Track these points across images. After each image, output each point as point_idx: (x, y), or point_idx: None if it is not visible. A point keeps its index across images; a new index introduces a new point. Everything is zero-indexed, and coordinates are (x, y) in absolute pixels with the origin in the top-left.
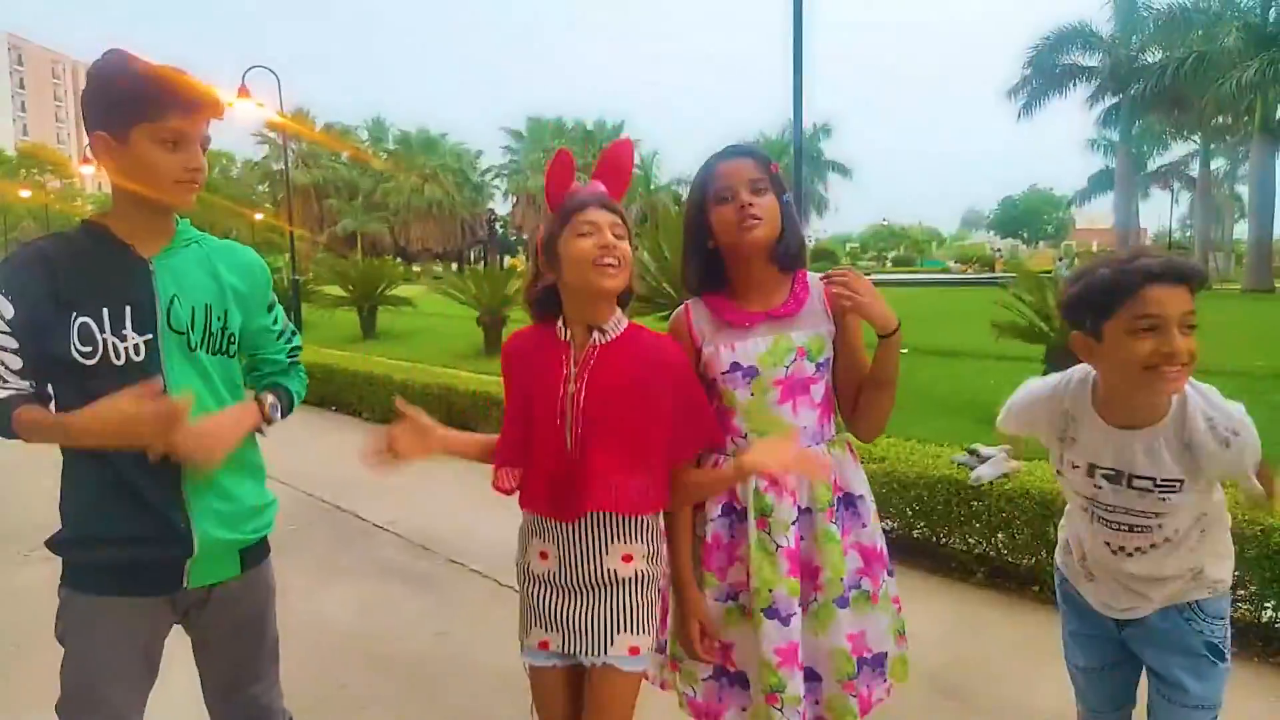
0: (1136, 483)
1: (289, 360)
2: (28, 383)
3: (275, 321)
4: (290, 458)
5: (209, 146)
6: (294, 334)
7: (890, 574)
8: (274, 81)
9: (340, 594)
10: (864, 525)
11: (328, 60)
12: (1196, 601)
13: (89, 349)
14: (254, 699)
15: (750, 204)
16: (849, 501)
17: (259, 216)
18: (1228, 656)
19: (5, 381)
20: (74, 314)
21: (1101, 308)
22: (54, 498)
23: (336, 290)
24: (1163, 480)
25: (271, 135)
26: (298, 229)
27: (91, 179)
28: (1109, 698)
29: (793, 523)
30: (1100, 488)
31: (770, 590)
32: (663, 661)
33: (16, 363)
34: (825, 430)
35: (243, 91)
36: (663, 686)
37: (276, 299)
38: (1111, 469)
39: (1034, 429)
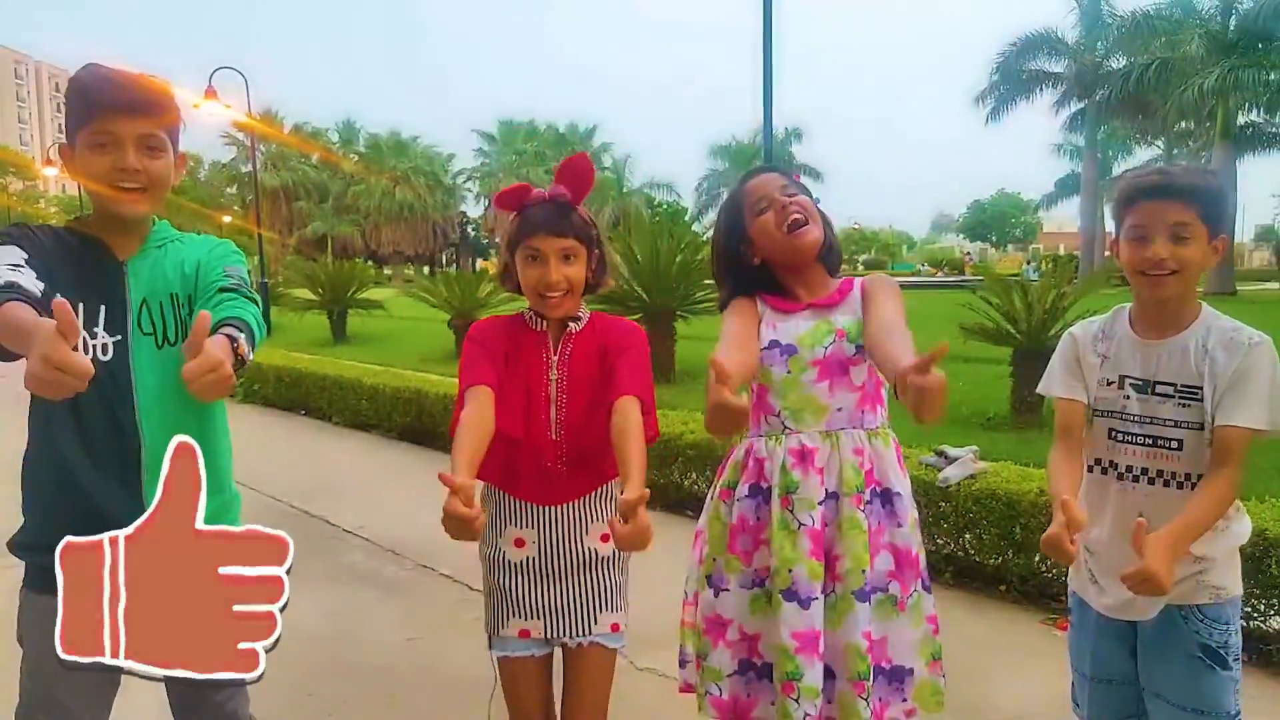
0: (1159, 389)
1: (232, 287)
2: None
3: (225, 276)
4: (259, 462)
5: (164, 149)
6: (248, 284)
7: (926, 589)
8: (242, 83)
9: (308, 600)
10: (899, 525)
11: (297, 62)
12: (1197, 605)
13: None
14: (219, 706)
15: (789, 202)
16: (886, 497)
17: (227, 219)
18: (1230, 664)
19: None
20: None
21: (1118, 219)
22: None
23: (306, 294)
24: (1183, 386)
25: (239, 137)
26: (266, 232)
27: (55, 181)
28: (1112, 711)
29: (819, 503)
30: (1129, 398)
31: (790, 570)
32: (686, 661)
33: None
34: (867, 418)
35: (210, 93)
36: (683, 689)
37: (243, 277)
38: (1139, 379)
39: (1077, 356)
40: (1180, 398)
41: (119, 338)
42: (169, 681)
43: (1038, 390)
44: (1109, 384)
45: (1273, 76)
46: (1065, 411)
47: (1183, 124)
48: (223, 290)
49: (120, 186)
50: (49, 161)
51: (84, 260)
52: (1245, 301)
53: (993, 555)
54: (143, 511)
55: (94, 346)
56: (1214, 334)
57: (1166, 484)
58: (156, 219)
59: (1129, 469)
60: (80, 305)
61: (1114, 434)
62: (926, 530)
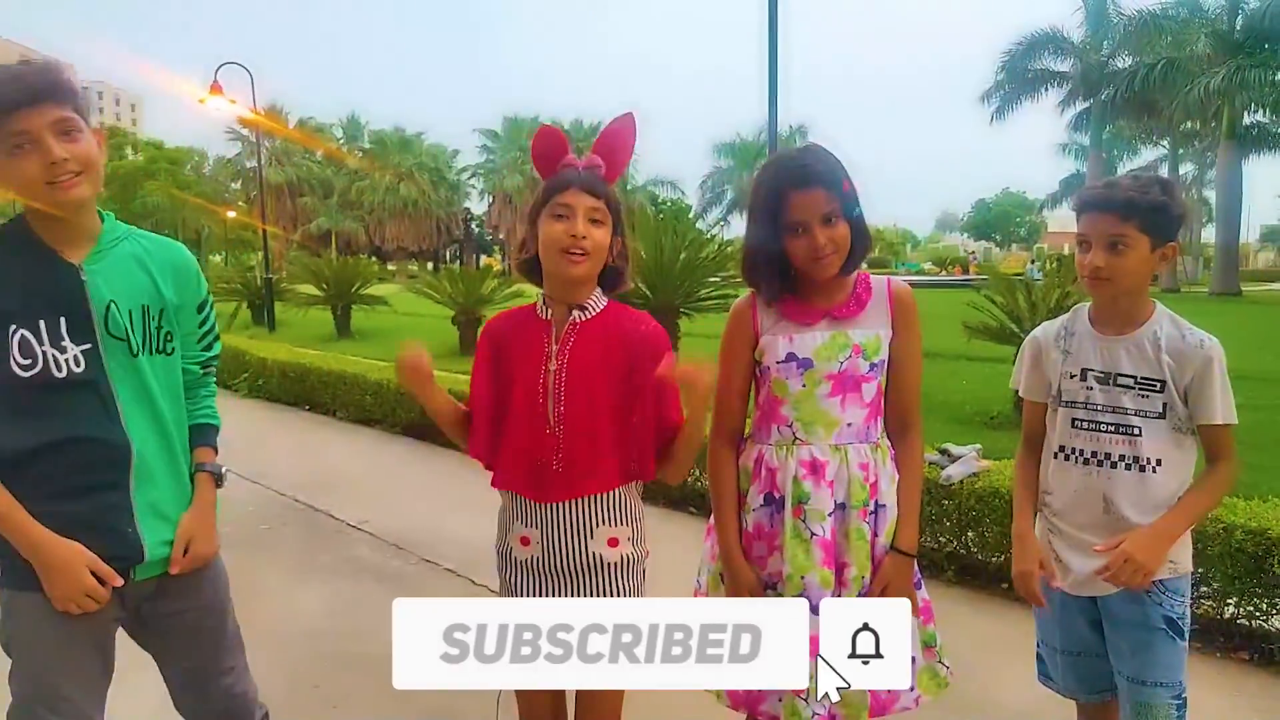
0: (1121, 380)
1: (201, 371)
2: None
3: (204, 324)
4: (263, 457)
5: (80, 128)
6: (215, 340)
7: (917, 584)
8: (247, 78)
9: (313, 593)
10: (883, 533)
11: (302, 57)
12: (1158, 580)
13: (28, 361)
14: (228, 690)
15: (824, 242)
16: (879, 509)
17: (231, 214)
18: (1185, 635)
19: None
20: (11, 326)
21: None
22: None
23: (310, 289)
24: (1142, 379)
25: (244, 132)
26: (271, 227)
27: None
28: (1084, 682)
29: (829, 514)
30: (1091, 389)
31: (802, 577)
32: None
33: None
34: (871, 431)
35: (215, 88)
36: None
37: (209, 299)
38: (1100, 371)
39: (1038, 356)
40: (1140, 389)
41: (88, 345)
42: (170, 674)
43: (1010, 385)
44: (1072, 376)
45: (1279, 77)
46: (1029, 413)
47: (1188, 124)
48: (205, 369)
49: (57, 182)
50: None
51: (34, 271)
52: (1250, 302)
53: (995, 553)
54: (132, 515)
55: (65, 360)
56: (1166, 334)
57: (1129, 468)
58: (103, 215)
59: (1093, 454)
60: (40, 322)
61: (1077, 423)
62: (929, 528)
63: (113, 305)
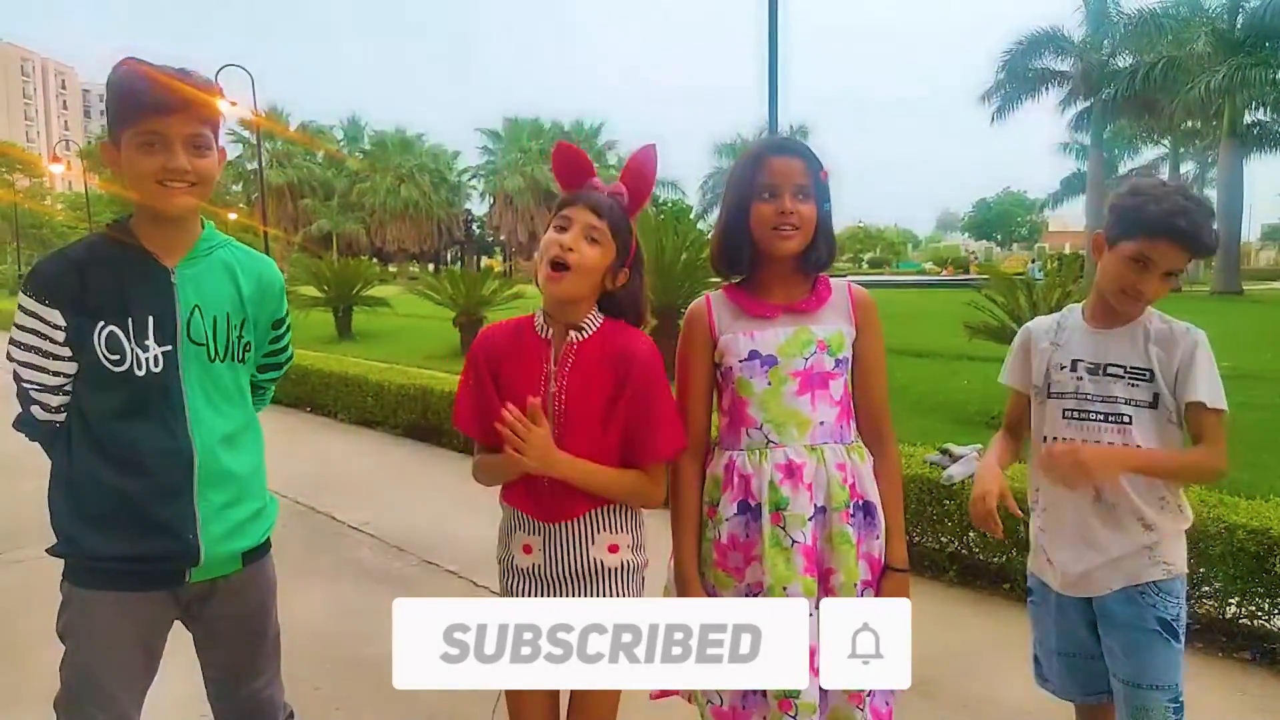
0: (1111, 369)
1: (264, 377)
2: (64, 402)
3: (275, 341)
4: (266, 458)
5: (211, 146)
6: (288, 360)
7: None
8: (248, 80)
9: (315, 595)
10: (876, 536)
11: (302, 59)
12: (1153, 581)
13: (116, 357)
14: (256, 693)
15: (791, 212)
16: (868, 509)
17: (233, 216)
18: (1181, 638)
19: (44, 406)
20: (100, 322)
21: (1125, 229)
22: (20, 500)
23: (312, 291)
24: (1132, 368)
25: (245, 134)
26: (272, 229)
27: (61, 178)
28: (1080, 684)
29: (809, 518)
30: (1082, 379)
31: (784, 588)
32: None
33: (62, 378)
34: (845, 431)
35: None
36: (689, 699)
37: (288, 318)
38: (1090, 361)
39: (1027, 346)
40: (1130, 378)
41: (169, 348)
42: (207, 669)
43: (999, 379)
44: (1062, 368)
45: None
46: (1013, 402)
47: (1189, 123)
48: (264, 376)
49: (169, 186)
50: (55, 159)
51: (129, 271)
52: (1251, 301)
53: (996, 554)
54: (194, 521)
55: (146, 359)
56: (1154, 327)
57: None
58: (205, 222)
59: (1084, 443)
60: (130, 319)
61: (1067, 413)
62: (931, 528)
63: (197, 310)
